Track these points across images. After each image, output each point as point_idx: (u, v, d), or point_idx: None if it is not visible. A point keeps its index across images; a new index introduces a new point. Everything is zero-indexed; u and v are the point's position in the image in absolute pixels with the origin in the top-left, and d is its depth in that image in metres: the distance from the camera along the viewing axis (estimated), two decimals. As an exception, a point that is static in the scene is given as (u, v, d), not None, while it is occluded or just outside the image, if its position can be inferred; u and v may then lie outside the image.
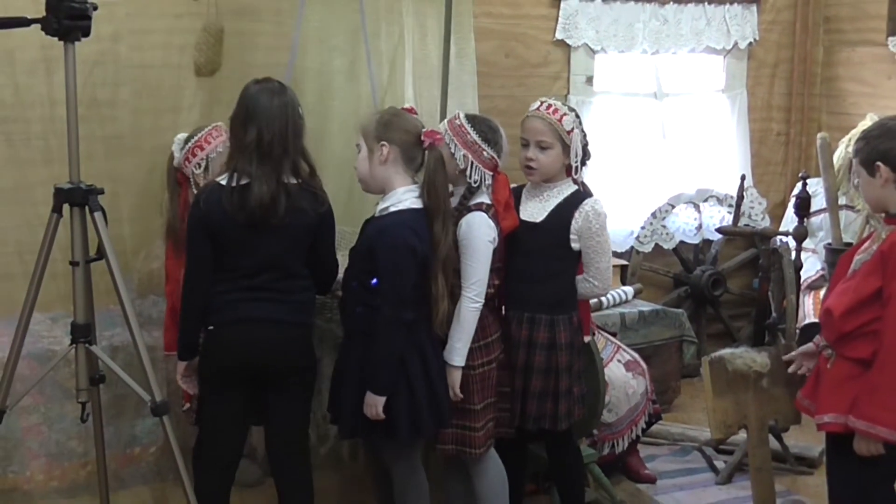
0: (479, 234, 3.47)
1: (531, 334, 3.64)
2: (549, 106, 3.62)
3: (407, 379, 3.41)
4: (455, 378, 3.49)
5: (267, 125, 3.28)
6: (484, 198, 3.55)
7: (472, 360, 3.52)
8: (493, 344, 3.61)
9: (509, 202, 3.63)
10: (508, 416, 3.70)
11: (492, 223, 3.50)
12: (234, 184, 3.29)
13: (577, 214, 3.59)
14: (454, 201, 3.56)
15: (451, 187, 3.56)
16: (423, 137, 3.41)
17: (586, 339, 3.87)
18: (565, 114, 3.60)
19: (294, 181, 3.34)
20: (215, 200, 3.30)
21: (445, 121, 3.64)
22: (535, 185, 3.70)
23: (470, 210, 3.51)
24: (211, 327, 3.42)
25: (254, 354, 3.39)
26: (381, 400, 3.37)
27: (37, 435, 4.11)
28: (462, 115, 3.61)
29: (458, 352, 3.48)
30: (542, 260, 3.64)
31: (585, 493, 4.03)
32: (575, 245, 3.63)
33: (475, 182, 3.52)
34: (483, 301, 3.49)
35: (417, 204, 3.40)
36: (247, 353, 3.39)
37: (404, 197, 3.41)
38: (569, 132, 3.58)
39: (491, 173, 3.55)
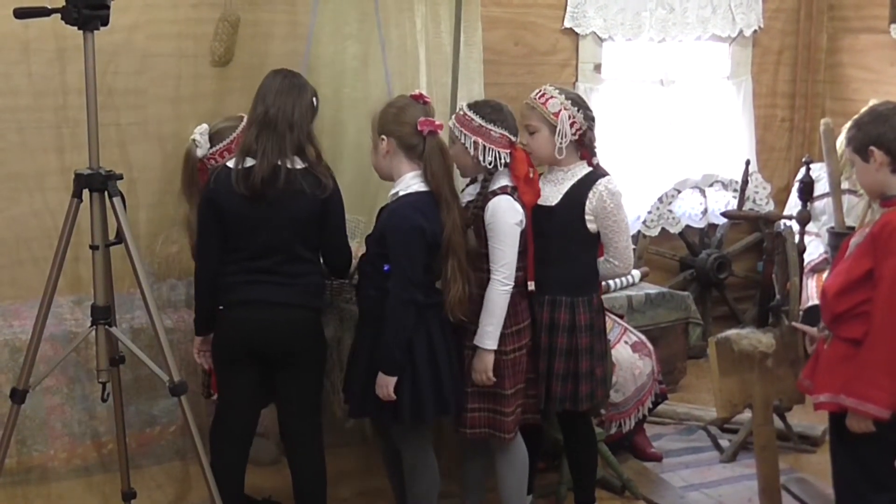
0: (506, 217, 3.47)
1: (552, 316, 3.65)
2: (539, 92, 3.66)
3: (412, 364, 3.44)
4: (488, 362, 3.49)
5: (273, 101, 3.39)
6: (505, 180, 3.55)
7: (504, 346, 3.52)
8: (524, 330, 3.61)
9: (528, 176, 3.57)
10: (535, 402, 3.70)
11: (517, 206, 3.51)
12: (240, 166, 3.39)
13: (590, 195, 3.60)
14: (474, 189, 3.59)
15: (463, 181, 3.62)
16: (419, 127, 3.46)
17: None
18: (551, 97, 3.62)
19: (300, 164, 3.41)
20: (223, 178, 3.41)
21: (453, 116, 3.65)
22: (551, 170, 3.71)
23: (495, 194, 3.51)
24: (221, 307, 3.50)
25: (257, 335, 3.46)
26: (392, 380, 3.40)
27: (60, 414, 4.19)
28: (465, 105, 3.62)
29: (489, 335, 3.48)
30: (559, 243, 3.64)
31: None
32: (591, 226, 3.63)
33: (490, 163, 3.51)
34: (512, 284, 3.48)
35: (425, 187, 3.46)
36: (250, 334, 3.46)
37: (412, 182, 3.47)
38: (554, 114, 3.59)
39: (506, 150, 3.53)
